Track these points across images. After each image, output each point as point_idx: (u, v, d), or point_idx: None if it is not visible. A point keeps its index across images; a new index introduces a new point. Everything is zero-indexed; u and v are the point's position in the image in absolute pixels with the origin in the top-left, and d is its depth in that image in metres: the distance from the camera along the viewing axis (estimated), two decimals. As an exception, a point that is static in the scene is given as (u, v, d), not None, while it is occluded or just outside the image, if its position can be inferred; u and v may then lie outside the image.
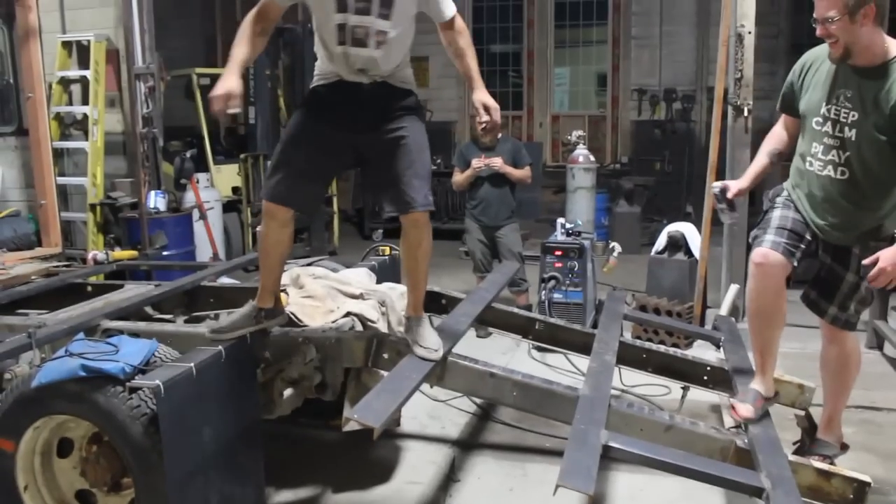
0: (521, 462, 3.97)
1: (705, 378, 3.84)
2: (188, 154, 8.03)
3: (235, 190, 8.84)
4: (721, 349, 4.06)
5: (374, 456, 4.03)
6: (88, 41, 7.32)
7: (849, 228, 3.15)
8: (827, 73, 3.08)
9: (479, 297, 4.01)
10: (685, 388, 3.97)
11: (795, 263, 3.20)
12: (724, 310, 4.90)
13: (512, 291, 6.15)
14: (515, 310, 4.37)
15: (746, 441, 2.99)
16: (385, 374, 3.22)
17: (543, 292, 5.61)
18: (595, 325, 4.12)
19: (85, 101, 7.37)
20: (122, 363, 2.74)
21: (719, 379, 3.79)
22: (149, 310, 3.96)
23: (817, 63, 3.15)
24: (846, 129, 3.02)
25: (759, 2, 5.93)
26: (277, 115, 9.80)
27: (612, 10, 12.03)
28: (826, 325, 3.42)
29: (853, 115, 2.99)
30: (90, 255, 5.07)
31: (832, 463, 3.20)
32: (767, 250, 3.17)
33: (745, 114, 5.79)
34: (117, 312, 3.58)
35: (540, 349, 5.28)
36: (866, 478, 2.87)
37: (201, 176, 8.22)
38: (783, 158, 3.19)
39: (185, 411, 2.68)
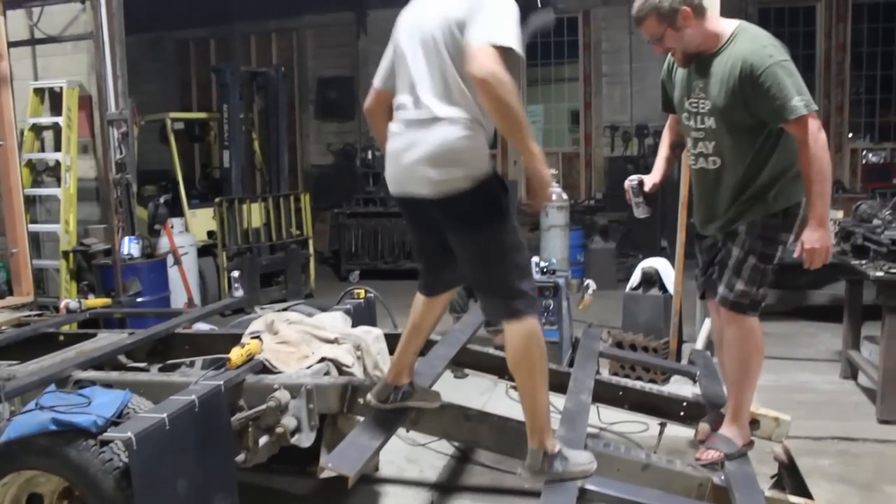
0: (499, 504, 3.95)
1: (682, 414, 3.86)
2: (162, 199, 8.03)
3: (210, 234, 8.82)
4: (697, 383, 4.08)
5: (351, 502, 3.98)
6: (61, 88, 7.32)
7: (736, 215, 3.20)
8: (683, 71, 3.26)
9: (455, 339, 4.01)
10: (662, 425, 3.98)
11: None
12: (699, 344, 4.95)
13: (488, 331, 6.13)
14: (491, 350, 4.36)
15: (723, 478, 3.00)
16: (361, 419, 3.21)
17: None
18: (571, 363, 4.13)
19: (57, 148, 7.35)
20: (93, 416, 2.71)
21: (696, 414, 3.80)
22: (122, 358, 3.92)
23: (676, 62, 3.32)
24: (705, 118, 3.15)
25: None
26: (252, 158, 9.84)
27: (582, 48, 12.23)
28: (721, 308, 3.34)
29: (707, 105, 3.13)
30: (63, 304, 5.01)
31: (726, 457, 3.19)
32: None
33: (714, 150, 5.85)
34: (90, 362, 3.54)
35: (517, 388, 5.26)
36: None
37: (176, 221, 8.21)
38: (682, 149, 3.32)
39: (158, 463, 2.64)
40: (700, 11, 3.07)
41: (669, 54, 3.34)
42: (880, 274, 4.81)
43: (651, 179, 3.66)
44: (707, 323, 5.71)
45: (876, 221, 5.35)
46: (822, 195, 2.95)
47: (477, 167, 2.72)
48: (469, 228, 2.78)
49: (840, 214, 7.15)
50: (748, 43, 3.03)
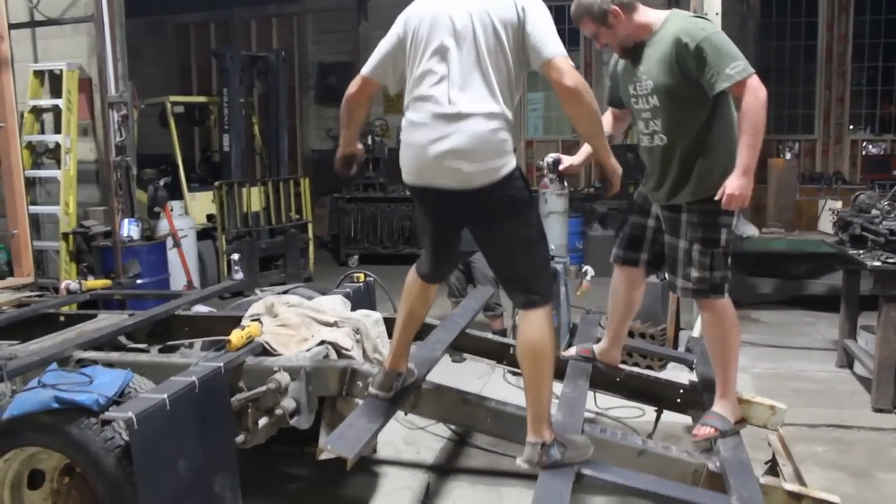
0: (496, 486, 3.98)
1: (678, 401, 3.89)
2: (162, 182, 8.03)
3: (210, 217, 8.83)
4: (694, 370, 4.11)
5: (349, 483, 4.02)
6: (61, 70, 7.31)
7: (683, 187, 3.32)
8: (625, 62, 3.45)
9: (453, 324, 4.04)
10: (659, 411, 4.01)
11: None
12: (696, 332, 4.97)
13: (487, 316, 6.17)
14: (490, 335, 4.39)
15: (718, 464, 3.03)
16: (360, 401, 3.24)
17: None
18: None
19: (57, 130, 7.34)
20: (95, 394, 2.73)
21: (692, 401, 3.83)
22: (122, 339, 3.94)
23: None
24: (649, 98, 3.30)
25: (726, 29, 6.00)
26: (252, 142, 9.83)
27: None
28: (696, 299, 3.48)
29: (650, 84, 3.27)
30: (63, 285, 5.02)
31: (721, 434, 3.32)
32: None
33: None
34: (90, 342, 3.56)
35: (515, 373, 5.30)
36: (836, 499, 2.92)
37: (175, 204, 8.22)
38: (612, 142, 3.38)
39: (158, 443, 2.67)
40: (629, 8, 3.26)
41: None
42: (878, 264, 4.84)
43: (570, 160, 3.91)
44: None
45: (874, 211, 5.37)
46: (752, 147, 3.08)
47: (505, 161, 2.79)
48: (496, 220, 2.85)
49: (839, 204, 7.18)
50: (680, 22, 3.22)
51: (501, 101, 2.78)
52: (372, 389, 3.16)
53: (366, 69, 3.05)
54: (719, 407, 3.44)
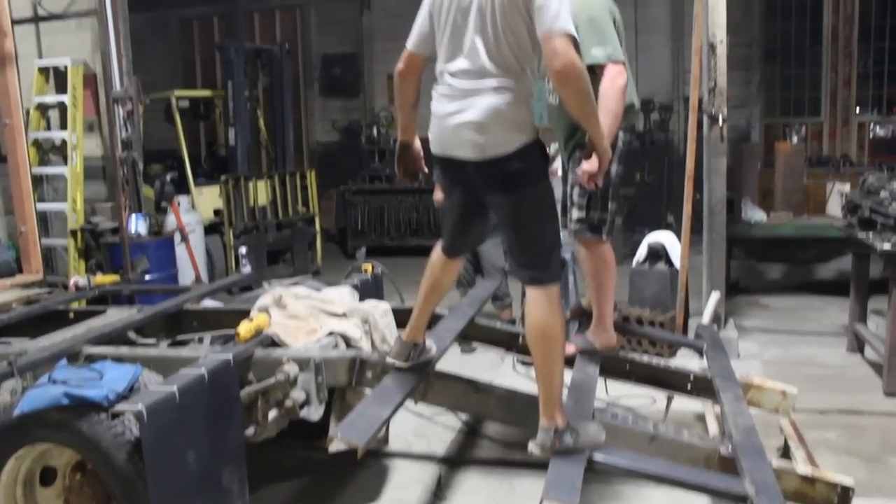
0: (507, 477, 3.97)
1: (689, 387, 3.88)
2: (168, 177, 8.03)
3: (217, 212, 8.83)
4: (704, 357, 4.09)
5: (360, 476, 4.02)
6: (66, 66, 7.30)
7: (572, 137, 3.68)
8: None
9: (462, 313, 4.03)
10: (669, 398, 4.00)
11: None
12: (705, 318, 4.95)
13: (495, 306, 6.17)
14: (499, 324, 4.38)
15: (731, 448, 3.02)
16: (369, 391, 3.23)
17: (525, 304, 5.62)
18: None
19: (63, 127, 7.34)
20: (105, 390, 2.73)
21: (703, 387, 3.82)
22: (132, 334, 3.94)
23: None
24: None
25: (731, 11, 6.00)
26: (258, 136, 9.82)
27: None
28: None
29: None
30: (72, 282, 5.02)
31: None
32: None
33: (720, 123, 5.84)
34: (100, 338, 3.56)
35: (525, 363, 5.29)
36: (850, 481, 2.91)
37: (182, 199, 8.21)
38: None
39: (168, 436, 2.66)
40: None
41: None
42: (888, 247, 4.80)
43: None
44: (714, 296, 5.72)
45: (883, 194, 5.33)
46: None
47: (521, 133, 2.82)
48: (508, 191, 2.88)
49: (847, 187, 7.14)
50: None
51: (517, 76, 2.82)
52: (389, 359, 3.27)
53: (409, 43, 3.09)
54: (593, 334, 3.88)
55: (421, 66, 3.07)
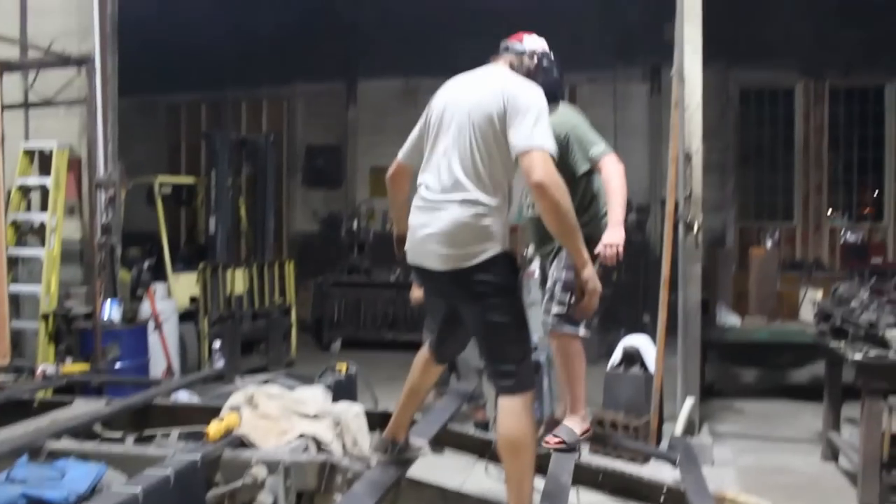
0: (477, 587, 3.86)
1: (662, 499, 3.82)
2: (146, 265, 8.00)
3: (193, 299, 8.77)
4: (678, 469, 4.06)
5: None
6: (51, 150, 7.35)
7: (550, 241, 3.94)
8: None
9: (435, 418, 4.00)
10: (642, 510, 3.94)
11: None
12: (679, 428, 4.94)
13: (469, 406, 6.11)
14: (472, 431, 4.35)
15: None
16: (338, 497, 3.17)
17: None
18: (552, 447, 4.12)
19: (44, 209, 7.34)
20: (66, 491, 2.66)
21: (676, 500, 3.77)
22: (98, 428, 3.86)
23: None
24: None
25: (707, 118, 6.21)
26: (238, 224, 9.85)
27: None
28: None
29: None
30: (39, 370, 4.95)
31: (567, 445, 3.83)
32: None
33: (695, 230, 5.95)
34: (64, 431, 3.49)
35: (497, 467, 5.21)
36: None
37: (159, 286, 8.16)
38: None
39: (130, 541, 2.59)
40: None
41: None
42: (859, 357, 4.84)
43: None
44: (688, 403, 5.73)
45: (854, 303, 5.41)
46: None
47: (487, 245, 2.88)
48: (475, 302, 2.94)
49: (819, 295, 7.24)
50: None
51: (487, 190, 2.90)
52: (369, 451, 3.38)
53: (400, 152, 3.27)
54: (570, 421, 3.99)
55: (408, 174, 3.23)
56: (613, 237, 3.73)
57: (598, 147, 3.93)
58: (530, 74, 3.22)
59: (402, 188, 3.26)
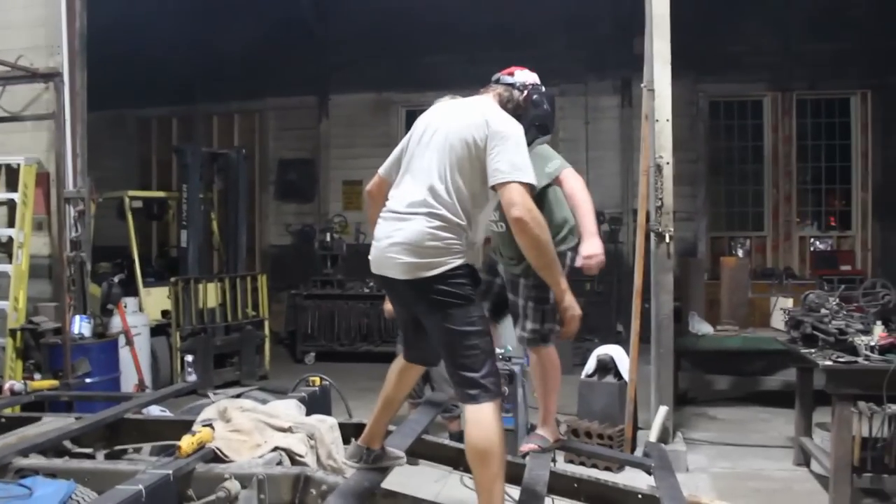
0: None
1: (637, 506, 3.83)
2: (116, 279, 7.91)
3: (165, 313, 8.69)
4: (652, 475, 4.08)
5: None
6: (18, 164, 7.26)
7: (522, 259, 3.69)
8: None
9: (410, 429, 3.98)
10: (618, 518, 3.95)
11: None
12: (653, 435, 4.96)
13: (444, 417, 6.09)
14: (446, 441, 4.34)
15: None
16: (312, 510, 3.14)
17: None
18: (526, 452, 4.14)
19: (11, 224, 7.24)
20: (34, 509, 2.62)
21: (651, 506, 3.79)
22: (67, 443, 3.81)
23: None
24: None
25: (677, 129, 6.27)
26: (210, 238, 9.80)
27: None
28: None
29: None
30: (6, 386, 4.86)
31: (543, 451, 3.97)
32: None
33: (667, 240, 6.00)
34: (32, 448, 3.43)
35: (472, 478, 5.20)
36: None
37: (130, 300, 8.08)
38: None
39: (100, 559, 2.55)
40: None
41: None
42: (829, 363, 4.90)
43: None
44: (661, 411, 5.76)
45: (823, 311, 5.48)
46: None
47: (447, 257, 2.94)
48: (435, 311, 2.97)
49: (790, 303, 7.33)
50: None
51: (453, 211, 2.97)
52: (344, 460, 3.44)
53: (381, 168, 3.34)
54: (542, 430, 4.11)
55: (387, 189, 3.25)
56: (593, 248, 3.72)
57: (556, 162, 3.92)
58: (519, 107, 3.30)
59: (380, 202, 3.27)
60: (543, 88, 3.47)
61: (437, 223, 2.95)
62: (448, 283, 2.93)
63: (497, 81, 3.39)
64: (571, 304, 3.10)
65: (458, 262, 2.96)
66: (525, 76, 3.43)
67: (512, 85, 3.35)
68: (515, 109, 3.25)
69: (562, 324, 3.24)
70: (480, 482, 2.92)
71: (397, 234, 3.00)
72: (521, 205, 2.83)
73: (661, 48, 6.04)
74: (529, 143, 3.22)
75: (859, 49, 11.05)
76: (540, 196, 3.76)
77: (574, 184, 3.87)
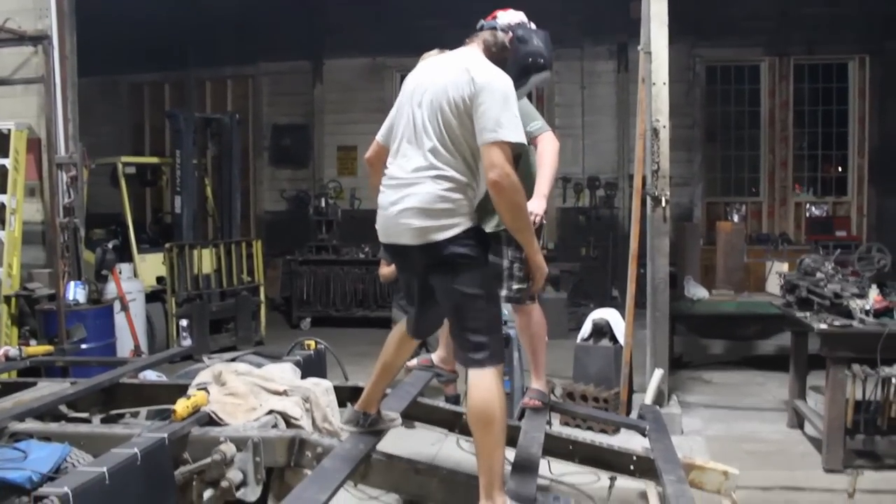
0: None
1: (632, 468, 3.85)
2: (110, 245, 7.90)
3: (160, 279, 8.68)
4: (647, 437, 4.10)
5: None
6: (9, 130, 7.19)
7: None
8: None
9: (405, 392, 3.99)
10: (612, 479, 3.98)
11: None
12: (648, 398, 4.98)
13: (440, 381, 6.10)
14: (441, 403, 4.35)
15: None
16: (308, 472, 3.15)
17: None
18: (522, 415, 4.15)
19: (2, 190, 7.19)
20: (29, 471, 2.62)
21: (645, 468, 3.80)
22: (63, 408, 3.80)
23: None
24: None
25: (674, 95, 6.22)
26: (204, 204, 9.75)
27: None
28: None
29: None
30: (2, 351, 4.85)
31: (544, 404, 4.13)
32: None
33: (663, 204, 5.98)
34: (28, 413, 3.42)
35: (468, 440, 5.23)
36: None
37: (124, 266, 8.06)
38: None
39: (96, 521, 2.55)
40: None
41: None
42: (824, 326, 4.92)
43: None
44: (657, 374, 5.78)
45: (819, 275, 5.49)
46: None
47: (459, 219, 2.92)
48: (448, 275, 2.95)
49: (785, 267, 7.34)
50: None
51: (458, 168, 2.94)
52: (341, 424, 3.43)
53: (379, 134, 3.31)
54: (537, 385, 4.20)
55: (385, 155, 3.21)
56: (534, 207, 3.69)
57: (537, 123, 3.93)
58: (506, 49, 3.20)
59: (380, 168, 3.23)
60: (534, 26, 3.36)
61: (446, 184, 2.92)
62: (462, 246, 2.92)
63: (482, 28, 3.28)
64: (542, 265, 3.11)
65: (470, 224, 2.95)
66: (509, 17, 3.32)
67: (496, 28, 3.24)
68: (502, 52, 3.17)
69: (531, 280, 3.24)
70: (481, 446, 2.91)
71: (407, 199, 2.96)
72: (499, 168, 2.79)
73: (658, 9, 5.98)
74: (525, 83, 3.20)
75: (857, 13, 10.94)
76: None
77: (547, 146, 3.92)
